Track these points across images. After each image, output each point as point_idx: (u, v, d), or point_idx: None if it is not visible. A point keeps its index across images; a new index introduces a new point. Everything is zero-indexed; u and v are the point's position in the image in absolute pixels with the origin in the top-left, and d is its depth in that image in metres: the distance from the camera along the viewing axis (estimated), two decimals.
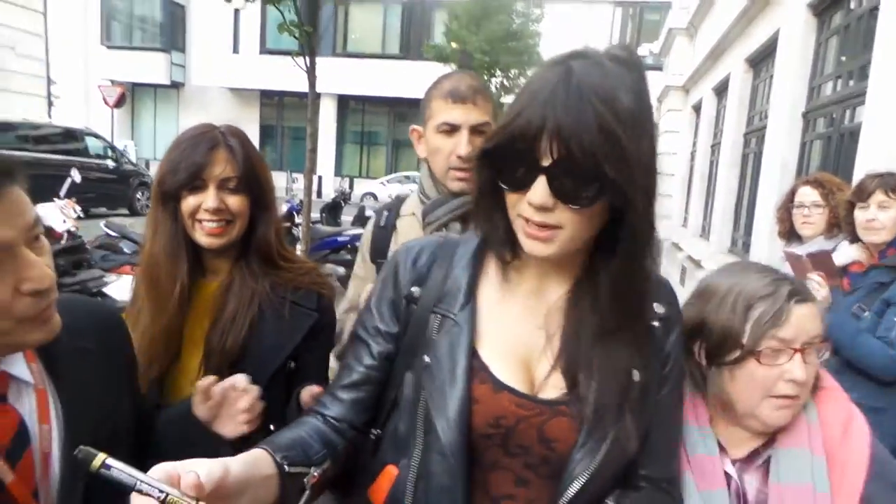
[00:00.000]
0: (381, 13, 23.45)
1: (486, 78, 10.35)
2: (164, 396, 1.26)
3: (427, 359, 0.87)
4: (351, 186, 19.86)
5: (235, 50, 24.31)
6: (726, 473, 0.98)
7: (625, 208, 0.79)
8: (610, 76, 0.78)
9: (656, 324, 0.89)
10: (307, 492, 0.80)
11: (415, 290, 0.92)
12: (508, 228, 0.85)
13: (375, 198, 19.01)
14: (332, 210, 11.36)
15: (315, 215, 10.38)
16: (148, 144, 25.26)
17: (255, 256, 1.30)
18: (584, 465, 0.81)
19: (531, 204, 0.78)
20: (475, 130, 1.43)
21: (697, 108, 9.95)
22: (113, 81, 20.31)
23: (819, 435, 0.96)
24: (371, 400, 0.93)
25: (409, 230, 1.54)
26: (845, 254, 2.48)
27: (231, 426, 1.11)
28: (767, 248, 4.67)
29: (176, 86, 25.32)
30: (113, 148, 13.14)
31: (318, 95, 4.61)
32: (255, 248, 1.30)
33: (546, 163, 0.77)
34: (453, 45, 11.69)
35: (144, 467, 0.63)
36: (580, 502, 0.81)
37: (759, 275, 1.01)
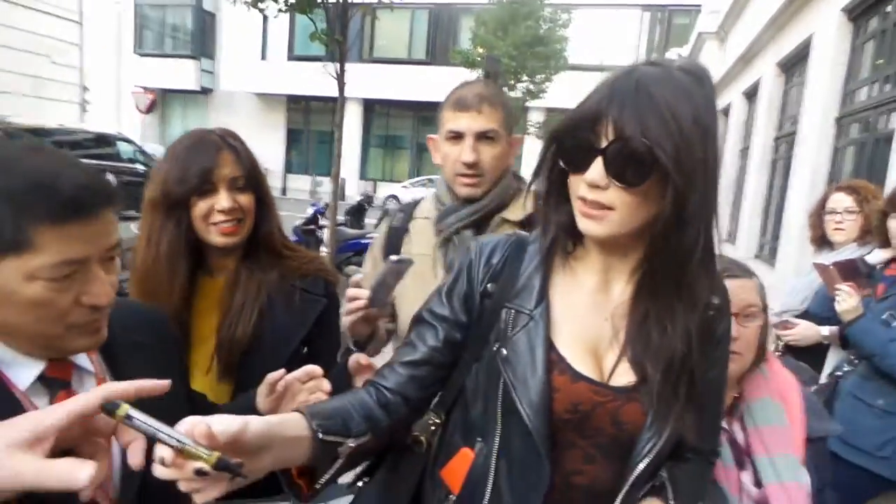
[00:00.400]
0: (409, 19, 23.60)
1: (512, 83, 10.37)
2: None
3: (505, 351, 0.94)
4: (375, 190, 20.02)
5: (264, 56, 24.70)
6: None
7: (679, 201, 0.83)
8: (673, 80, 0.84)
9: (711, 313, 0.95)
10: (340, 460, 0.84)
11: (490, 286, 0.98)
12: (572, 217, 0.92)
13: (398, 201, 19.13)
14: (357, 213, 11.44)
15: (340, 217, 10.48)
16: None
17: (261, 249, 1.35)
18: (652, 444, 0.90)
19: (587, 183, 0.85)
20: (481, 137, 1.46)
21: (727, 112, 9.84)
22: (145, 88, 20.77)
23: (774, 386, 1.24)
24: (429, 380, 0.99)
25: (422, 233, 1.57)
26: (877, 256, 2.45)
27: None
28: (796, 253, 4.61)
29: (205, 91, 25.78)
30: (143, 152, 13.41)
31: (345, 101, 4.68)
32: (261, 242, 1.35)
33: (602, 144, 0.84)
34: (479, 49, 11.72)
35: None
36: (644, 475, 0.92)
37: None
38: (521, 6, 11.08)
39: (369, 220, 11.98)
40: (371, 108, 24.87)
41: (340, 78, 4.38)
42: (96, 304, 0.80)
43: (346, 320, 1.36)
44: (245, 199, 1.30)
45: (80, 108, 15.45)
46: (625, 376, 0.92)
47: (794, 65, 6.25)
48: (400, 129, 25.81)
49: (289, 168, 25.56)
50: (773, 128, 6.83)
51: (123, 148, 12.04)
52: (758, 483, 1.14)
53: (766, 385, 1.23)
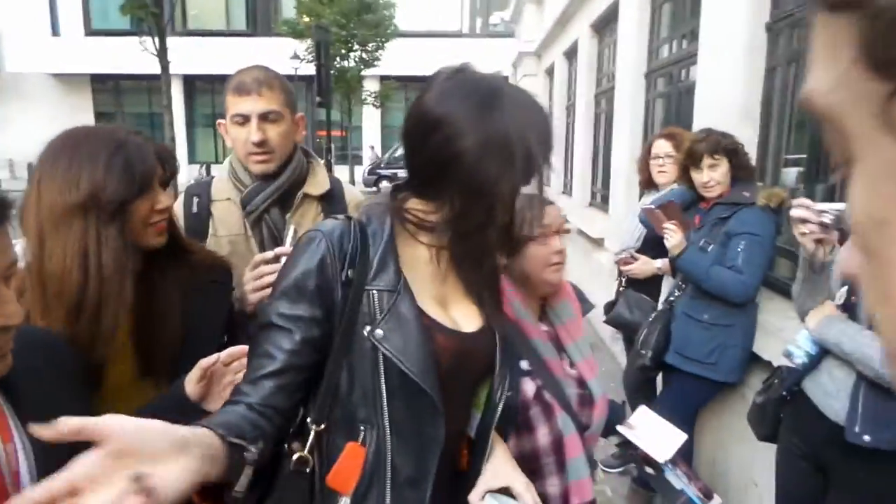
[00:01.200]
0: None
1: (343, 52, 10.18)
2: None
3: (380, 331, 0.96)
4: (209, 173, 18.77)
5: (55, 32, 21.78)
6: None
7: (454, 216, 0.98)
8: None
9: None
10: (248, 467, 0.81)
11: (350, 272, 0.97)
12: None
13: None
14: None
15: None
16: None
17: (170, 247, 1.30)
18: (504, 378, 1.09)
19: None
20: (263, 118, 1.56)
21: (550, 73, 10.50)
22: None
23: (565, 288, 1.45)
24: (294, 386, 0.95)
25: (227, 215, 1.64)
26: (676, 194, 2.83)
27: (220, 402, 1.13)
28: (624, 198, 5.14)
29: None
30: None
31: (169, 79, 4.33)
32: (172, 239, 1.30)
33: None
34: (305, 18, 11.32)
35: None
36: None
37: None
38: None
39: None
40: (192, 84, 23.04)
41: (163, 54, 4.03)
42: (8, 324, 0.76)
43: (255, 297, 1.43)
44: (170, 198, 1.27)
45: None
46: (471, 325, 1.07)
47: (606, 25, 6.83)
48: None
49: None
50: (592, 85, 7.44)
51: None
52: (570, 364, 1.38)
53: (565, 289, 1.48)
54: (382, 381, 0.96)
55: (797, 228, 1.65)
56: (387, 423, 0.96)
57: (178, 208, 1.62)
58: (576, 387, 1.34)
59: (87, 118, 23.24)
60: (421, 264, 1.03)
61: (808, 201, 1.65)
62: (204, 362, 1.12)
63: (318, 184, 1.67)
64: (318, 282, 0.96)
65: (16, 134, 21.53)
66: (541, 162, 0.97)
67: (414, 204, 1.01)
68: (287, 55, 16.91)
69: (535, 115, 0.98)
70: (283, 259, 1.36)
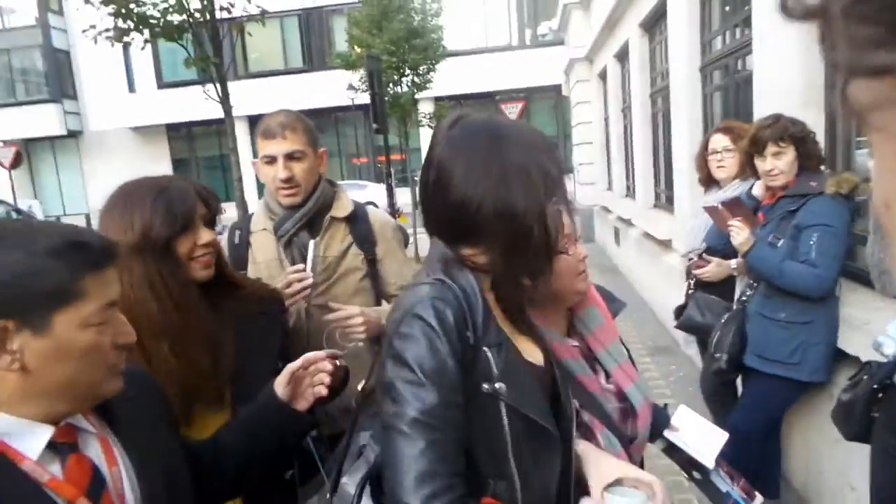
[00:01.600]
0: (279, 28, 23.04)
1: (396, 78, 10.42)
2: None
3: (502, 384, 0.98)
4: None
5: (132, 89, 23.39)
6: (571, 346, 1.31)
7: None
8: None
9: None
10: None
11: (469, 334, 0.98)
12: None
13: None
14: None
15: None
16: (54, 200, 23.95)
17: (221, 283, 1.42)
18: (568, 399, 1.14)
19: None
20: (289, 157, 1.77)
21: (603, 76, 10.35)
22: (4, 142, 19.12)
23: (589, 293, 1.36)
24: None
25: (263, 244, 1.85)
26: (757, 189, 2.72)
27: (302, 402, 1.27)
28: (689, 197, 4.98)
29: (74, 135, 24.12)
30: (18, 211, 12.43)
31: (232, 122, 4.58)
32: (221, 275, 1.43)
33: None
34: (357, 49, 11.67)
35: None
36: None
37: None
38: (391, 1, 11.13)
39: None
40: (257, 124, 24.19)
41: (226, 100, 4.27)
42: (128, 342, 0.90)
43: (289, 303, 1.66)
44: (213, 234, 1.38)
45: None
46: (539, 359, 1.12)
47: (655, 23, 6.69)
48: None
49: None
50: (647, 84, 7.28)
51: None
52: (606, 375, 1.31)
53: (593, 296, 1.41)
54: (507, 432, 0.98)
55: None
56: (514, 471, 0.99)
57: (224, 242, 1.80)
58: (615, 400, 1.28)
59: (164, 165, 24.74)
60: (495, 309, 1.07)
61: None
62: (292, 366, 1.25)
63: (342, 207, 1.89)
64: (448, 350, 0.96)
65: (101, 186, 23.16)
66: (558, 176, 1.01)
67: (465, 251, 1.04)
68: (343, 87, 17.48)
69: (539, 140, 1.04)
70: (307, 270, 1.66)
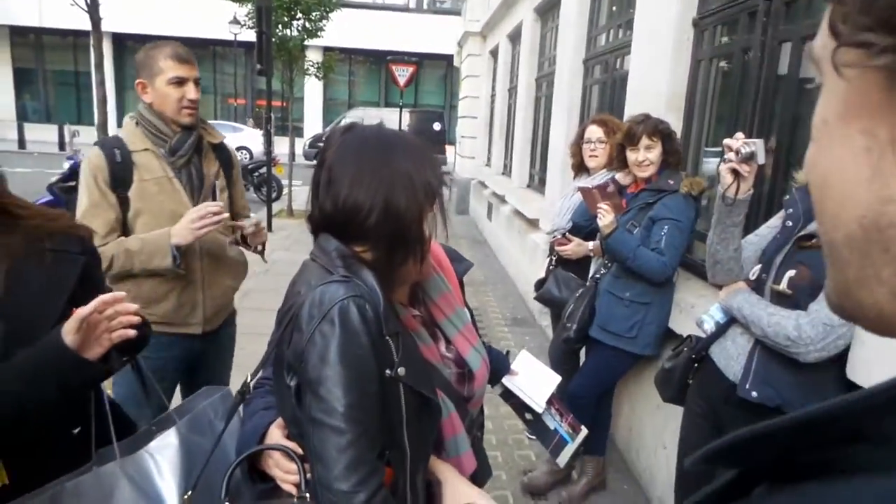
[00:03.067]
0: None
1: (286, 20, 9.90)
2: None
3: (403, 369, 1.08)
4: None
5: None
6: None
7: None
8: None
9: None
10: None
11: (379, 327, 1.07)
12: None
13: None
14: None
15: None
16: None
17: None
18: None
19: None
20: (196, 82, 2.07)
21: (494, 54, 10.58)
22: None
23: (434, 262, 1.35)
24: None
25: (149, 162, 2.02)
26: (623, 179, 2.99)
27: (96, 349, 1.18)
28: (559, 180, 5.32)
29: None
30: None
31: (100, 36, 4.16)
32: None
33: None
34: None
35: None
36: None
37: None
38: None
39: None
40: (123, 43, 21.87)
41: (93, 9, 3.86)
42: None
43: (196, 235, 1.96)
44: None
45: None
46: None
47: (549, 10, 6.96)
48: None
49: (23, 116, 21.62)
50: (534, 68, 7.57)
51: None
52: (447, 341, 1.33)
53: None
54: (403, 409, 1.08)
55: (724, 163, 1.81)
56: (406, 441, 1.10)
57: (100, 159, 1.94)
58: (454, 366, 1.31)
59: (4, 72, 21.72)
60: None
61: (740, 134, 1.82)
62: (82, 311, 1.13)
63: (215, 135, 2.22)
64: (369, 349, 1.04)
65: None
66: (437, 187, 1.13)
67: (356, 248, 1.12)
68: (226, 19, 16.25)
69: (425, 153, 1.14)
70: (219, 209, 1.99)
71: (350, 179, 1.07)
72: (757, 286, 1.85)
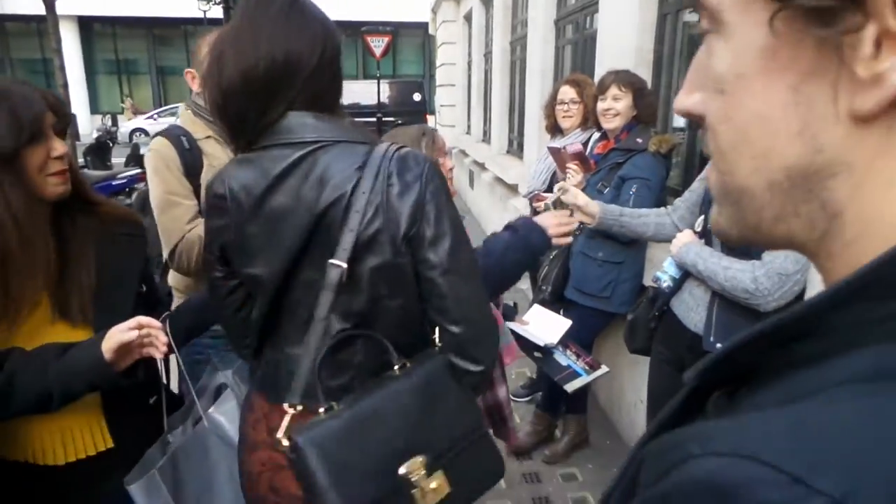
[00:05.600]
0: None
1: None
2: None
3: None
4: (115, 123, 17.62)
5: None
6: None
7: None
8: None
9: None
10: None
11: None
12: None
13: (147, 134, 17.09)
14: (98, 152, 10.08)
15: (79, 161, 9.16)
16: None
17: (75, 199, 1.33)
18: None
19: None
20: None
21: (469, 19, 10.41)
22: None
23: None
24: None
25: (216, 150, 1.87)
26: (594, 138, 2.98)
27: (126, 360, 1.25)
28: (536, 143, 5.30)
29: None
30: None
31: (56, 18, 4.05)
32: (77, 191, 1.32)
33: None
34: None
35: None
36: None
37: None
38: None
39: (116, 158, 10.67)
40: (90, 27, 21.31)
41: None
42: None
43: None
44: (65, 145, 1.26)
45: None
46: None
47: None
48: (132, 51, 22.67)
49: None
50: (508, 31, 7.47)
51: None
52: None
53: None
54: None
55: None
56: None
57: (169, 148, 1.81)
58: None
59: None
60: None
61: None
62: (124, 338, 1.22)
63: None
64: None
65: None
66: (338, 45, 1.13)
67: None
68: None
69: (327, 21, 1.13)
70: None
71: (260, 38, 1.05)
72: (704, 236, 1.87)
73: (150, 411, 1.44)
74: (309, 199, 1.05)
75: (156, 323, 1.27)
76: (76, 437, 1.33)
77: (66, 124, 1.31)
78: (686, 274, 1.92)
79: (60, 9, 5.04)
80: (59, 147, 1.22)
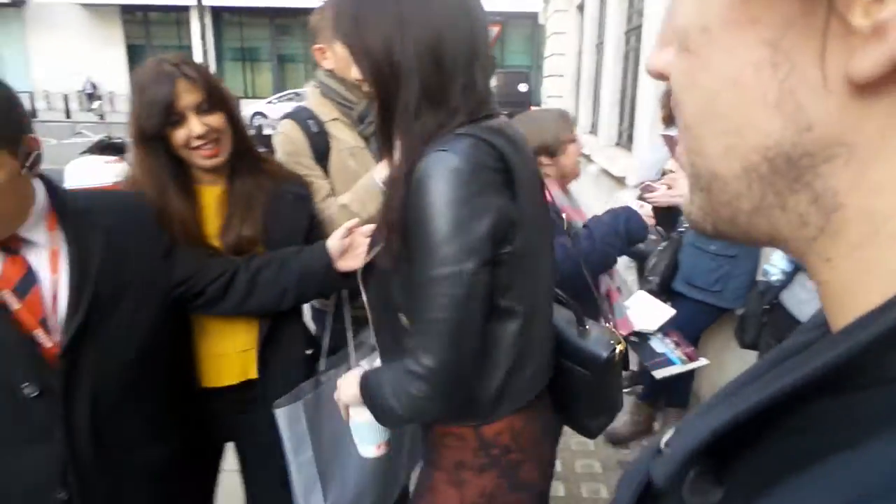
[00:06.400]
0: None
1: None
2: None
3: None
4: (238, 108, 18.81)
5: None
6: None
7: None
8: None
9: None
10: None
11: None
12: None
13: (265, 117, 18.18)
14: None
15: None
16: None
17: (245, 162, 1.48)
18: None
19: None
20: None
21: (581, 8, 10.25)
22: None
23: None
24: None
25: (340, 132, 1.82)
26: None
27: (352, 261, 1.42)
28: (648, 135, 5.19)
29: (16, 4, 22.33)
30: None
31: (203, 9, 4.43)
32: (244, 155, 1.48)
33: None
34: None
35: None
36: None
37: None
38: None
39: None
40: (221, 17, 22.90)
41: None
42: (10, 213, 1.09)
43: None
44: (214, 120, 1.38)
45: None
46: None
47: None
48: (256, 39, 24.13)
49: None
50: (623, 21, 7.31)
51: None
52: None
53: None
54: None
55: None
56: None
57: (298, 131, 1.76)
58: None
59: (118, 51, 23.35)
60: None
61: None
62: (351, 223, 1.43)
63: None
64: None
65: (47, 64, 21.72)
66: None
67: None
68: None
69: None
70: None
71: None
72: None
73: (299, 359, 1.56)
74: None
75: (363, 230, 1.42)
76: (232, 364, 1.49)
77: (218, 101, 1.41)
78: (797, 267, 1.88)
79: None
80: (196, 128, 1.35)
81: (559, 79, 11.94)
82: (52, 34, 22.15)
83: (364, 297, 1.16)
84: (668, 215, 3.20)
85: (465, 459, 1.09)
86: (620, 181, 5.93)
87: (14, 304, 1.09)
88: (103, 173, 4.81)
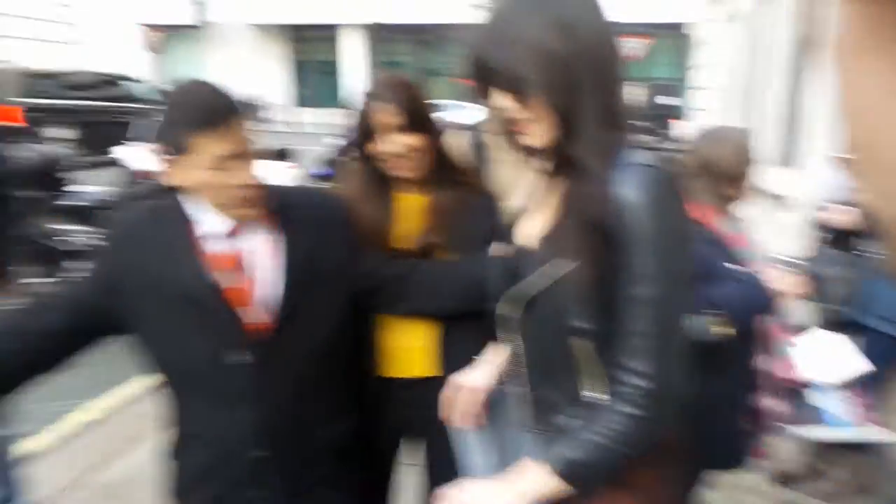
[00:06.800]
0: None
1: None
2: None
3: None
4: None
5: None
6: None
7: None
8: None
9: None
10: None
11: None
12: None
13: None
14: None
15: None
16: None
17: (446, 173, 1.58)
18: None
19: None
20: None
21: (735, 18, 9.67)
22: (150, 26, 20.16)
23: None
24: None
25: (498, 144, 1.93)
26: None
27: None
28: (819, 155, 4.80)
29: (197, 26, 25.01)
30: (160, 90, 13.16)
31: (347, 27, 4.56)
32: (444, 170, 1.58)
33: None
34: None
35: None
36: None
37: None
38: None
39: None
40: (375, 33, 24.18)
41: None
42: (241, 184, 1.22)
43: None
44: (410, 140, 1.46)
45: (67, 46, 15.15)
46: None
47: None
48: (401, 54, 25.16)
49: (301, 102, 25.24)
50: (788, 31, 6.81)
51: (136, 88, 11.82)
52: None
53: None
54: None
55: None
56: None
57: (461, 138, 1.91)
58: None
59: (287, 66, 25.36)
60: None
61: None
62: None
63: None
64: None
65: (223, 81, 24.04)
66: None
67: None
68: (454, 4, 16.99)
69: None
70: None
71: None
72: None
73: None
74: None
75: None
76: (415, 357, 1.55)
77: (419, 119, 1.48)
78: None
79: (350, 18, 5.88)
80: (389, 146, 1.46)
81: (707, 91, 11.35)
82: (227, 53, 24.50)
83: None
84: (844, 239, 2.94)
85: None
86: (781, 201, 5.53)
87: (228, 283, 1.24)
88: (284, 177, 5.41)
